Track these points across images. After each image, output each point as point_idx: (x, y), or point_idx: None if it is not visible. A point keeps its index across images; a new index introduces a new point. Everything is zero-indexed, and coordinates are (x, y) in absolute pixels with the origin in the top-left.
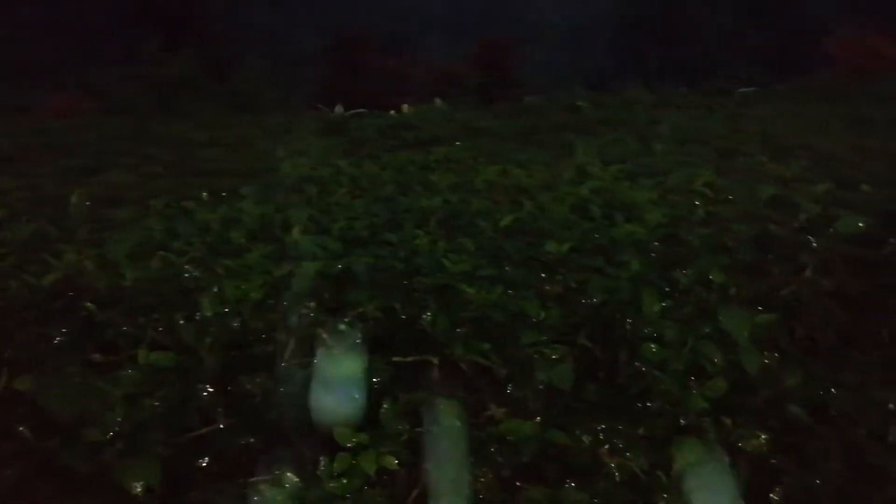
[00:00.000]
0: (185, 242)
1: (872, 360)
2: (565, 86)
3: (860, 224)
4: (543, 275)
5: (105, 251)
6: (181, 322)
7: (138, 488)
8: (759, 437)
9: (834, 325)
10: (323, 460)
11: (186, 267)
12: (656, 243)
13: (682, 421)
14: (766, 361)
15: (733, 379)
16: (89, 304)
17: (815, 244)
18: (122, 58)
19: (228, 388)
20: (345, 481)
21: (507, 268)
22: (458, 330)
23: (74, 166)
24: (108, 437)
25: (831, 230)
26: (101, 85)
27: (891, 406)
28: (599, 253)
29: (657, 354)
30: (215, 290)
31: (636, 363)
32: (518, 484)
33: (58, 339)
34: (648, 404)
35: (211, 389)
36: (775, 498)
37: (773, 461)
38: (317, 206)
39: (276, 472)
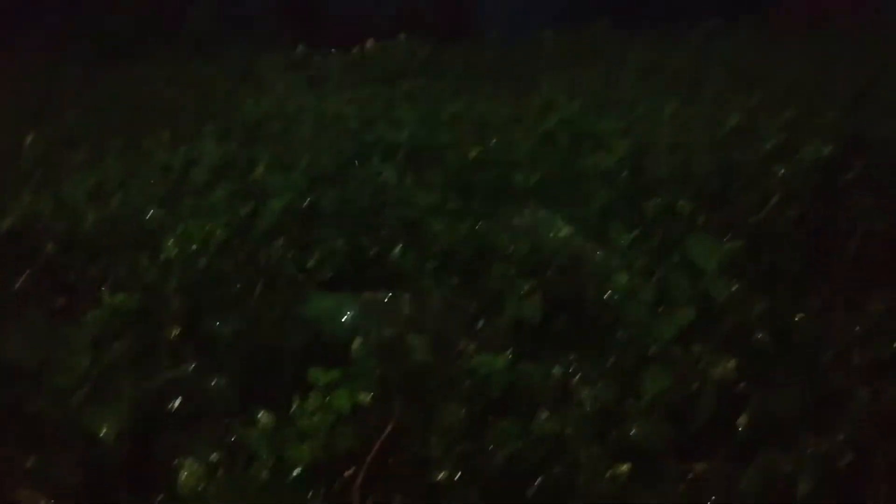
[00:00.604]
0: (145, 183)
1: (837, 287)
2: (530, 23)
3: (825, 151)
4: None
5: (62, 193)
6: (145, 264)
7: (108, 433)
8: (725, 364)
9: (799, 253)
10: (295, 399)
11: (148, 207)
12: (623, 174)
13: (651, 350)
14: (733, 289)
15: (701, 307)
16: (49, 246)
17: (780, 172)
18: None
19: (196, 330)
20: (317, 419)
21: (475, 201)
22: (427, 264)
23: (26, 110)
24: (74, 382)
25: (796, 157)
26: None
27: (854, 330)
28: (567, 184)
29: (626, 284)
30: (179, 230)
31: (605, 294)
32: (489, 418)
33: (18, 283)
34: (617, 335)
35: (179, 331)
36: (741, 423)
37: (739, 387)
38: (280, 143)
39: (248, 413)
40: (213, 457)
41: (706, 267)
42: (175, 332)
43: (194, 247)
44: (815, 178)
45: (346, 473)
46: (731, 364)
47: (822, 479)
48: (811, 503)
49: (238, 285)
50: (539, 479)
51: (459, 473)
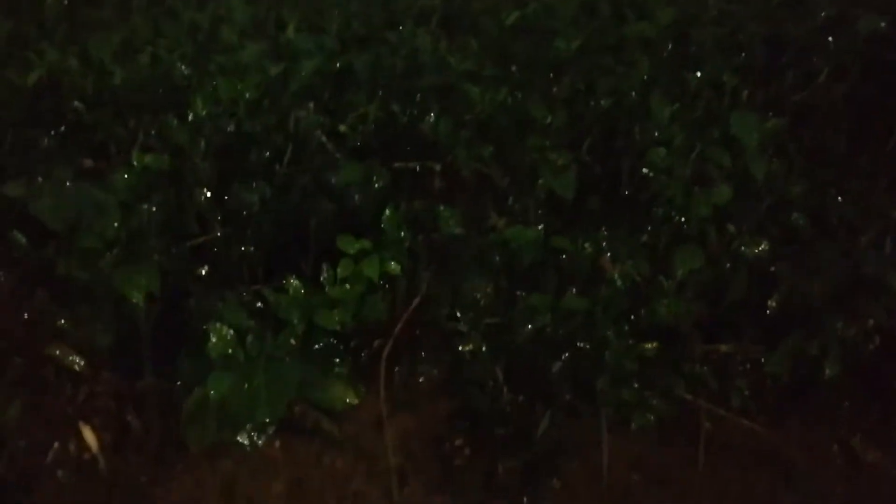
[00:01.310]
0: (173, 41)
1: (879, 168)
2: None
3: (880, 24)
4: (550, 76)
5: (88, 50)
6: (173, 124)
7: (138, 296)
8: (760, 244)
9: (843, 132)
10: (325, 267)
11: (177, 65)
12: (667, 43)
13: (685, 228)
14: (773, 168)
15: (738, 186)
16: (77, 103)
17: (831, 46)
18: None
19: (225, 196)
20: (347, 287)
21: (512, 68)
22: (461, 134)
23: None
24: (104, 244)
25: (849, 30)
26: None
27: (892, 215)
28: (608, 52)
29: (664, 160)
30: (209, 88)
31: (642, 170)
32: (518, 293)
33: (46, 142)
34: (652, 212)
35: (208, 195)
36: (772, 304)
37: (772, 268)
38: (311, 4)
39: (277, 281)
40: (243, 322)
41: (748, 144)
42: (204, 195)
43: (223, 107)
44: (866, 53)
45: (374, 344)
46: (765, 245)
47: (849, 364)
48: (836, 386)
49: (267, 151)
50: (565, 355)
51: (486, 347)
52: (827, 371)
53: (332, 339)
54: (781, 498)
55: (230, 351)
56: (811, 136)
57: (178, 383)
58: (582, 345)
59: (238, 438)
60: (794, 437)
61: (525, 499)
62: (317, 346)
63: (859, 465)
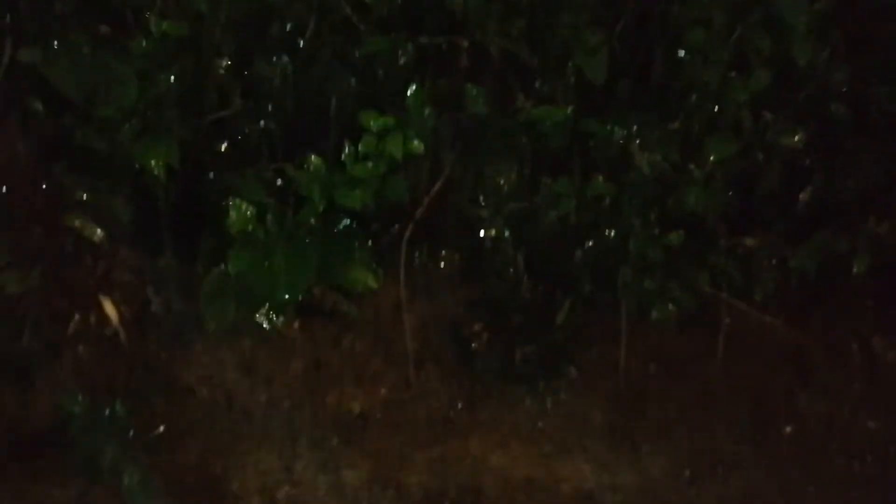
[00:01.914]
0: None
1: None
2: None
3: None
4: None
5: None
6: None
7: (158, 168)
8: (796, 134)
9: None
10: (347, 144)
11: None
12: None
13: (718, 115)
14: (817, 54)
15: (777, 72)
16: None
17: None
18: None
19: (245, 70)
20: (369, 165)
21: None
22: (491, 8)
23: None
24: (122, 114)
25: None
26: None
27: None
28: None
29: (701, 43)
30: None
31: (677, 53)
32: (544, 178)
33: (61, 6)
34: (685, 98)
35: (228, 66)
36: (804, 198)
37: (806, 161)
38: None
39: (297, 158)
40: (263, 200)
41: (794, 26)
42: (223, 65)
43: None
44: None
45: (395, 228)
46: (801, 136)
47: (875, 262)
48: (859, 285)
49: (289, 23)
50: (588, 243)
51: (508, 233)
52: (855, 268)
53: (352, 222)
54: (798, 394)
55: (250, 228)
56: (858, 21)
57: (198, 262)
58: (606, 233)
59: (257, 318)
60: (815, 334)
61: (541, 386)
62: (337, 229)
63: (878, 364)
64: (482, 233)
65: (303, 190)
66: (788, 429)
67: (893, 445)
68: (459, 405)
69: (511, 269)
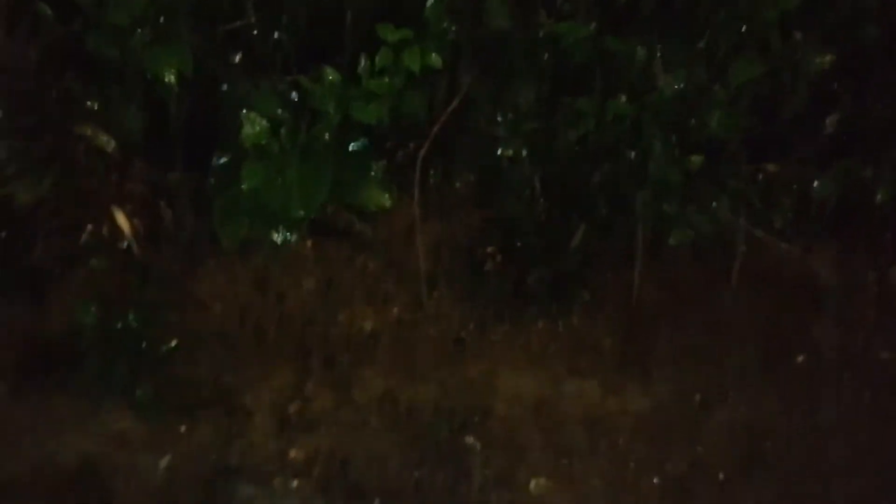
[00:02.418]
0: None
1: None
2: None
3: None
4: None
5: None
6: None
7: (170, 77)
8: (825, 57)
9: None
10: (363, 57)
11: None
12: None
13: (746, 35)
14: None
15: None
16: None
17: None
18: None
19: None
20: (386, 80)
21: None
22: None
23: None
24: (133, 21)
25: None
26: None
27: None
28: None
29: None
30: None
31: None
32: (564, 97)
33: None
34: (712, 17)
35: None
36: (830, 123)
37: (834, 85)
38: None
39: (314, 70)
40: (277, 113)
41: None
42: None
43: None
44: None
45: (410, 146)
46: (830, 58)
47: None
48: (879, 215)
49: None
50: (607, 165)
51: (526, 153)
52: (878, 196)
53: (367, 139)
54: (812, 323)
55: (264, 142)
56: None
57: (211, 177)
58: (626, 154)
59: (271, 235)
60: (832, 263)
61: (553, 309)
62: (352, 146)
63: (894, 295)
64: (500, 152)
65: (318, 104)
66: (800, 358)
67: None
68: (471, 326)
69: (527, 191)
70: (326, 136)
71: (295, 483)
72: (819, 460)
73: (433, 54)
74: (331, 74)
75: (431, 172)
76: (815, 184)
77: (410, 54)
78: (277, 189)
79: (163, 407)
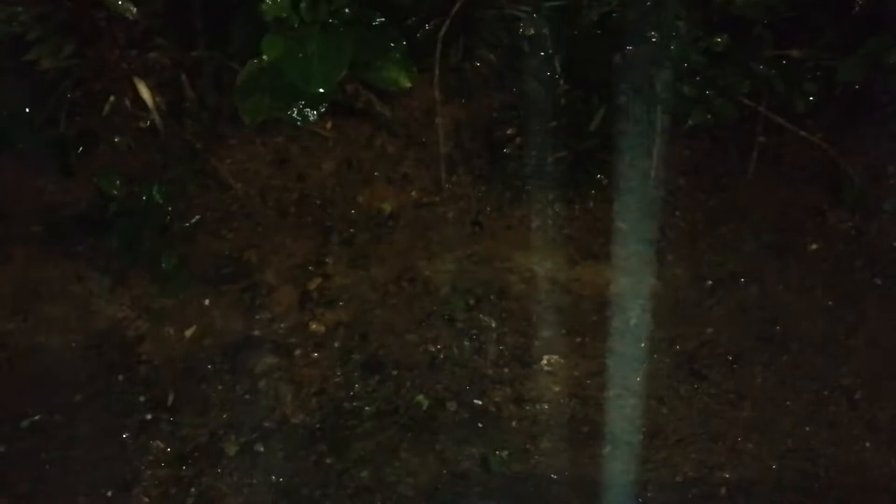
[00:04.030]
0: None
1: None
2: None
3: None
4: None
5: None
6: None
7: None
8: None
9: None
10: None
11: None
12: None
13: None
14: None
15: None
16: None
17: None
18: None
19: None
20: None
21: None
22: None
23: None
24: None
25: None
26: None
27: None
28: None
29: None
30: None
31: None
32: None
33: None
34: None
35: None
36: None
37: None
38: None
39: None
40: None
41: None
42: None
43: None
44: None
45: (431, 24)
46: None
47: None
48: None
49: None
50: (629, 47)
51: (547, 31)
52: None
53: (386, 18)
54: (827, 211)
55: (284, 14)
56: None
57: (232, 50)
58: (650, 33)
59: (291, 114)
60: (850, 152)
61: (571, 192)
62: (372, 24)
63: None
64: (521, 31)
65: None
66: (814, 245)
67: None
68: (488, 208)
69: (547, 72)
70: (347, 9)
71: (315, 354)
72: (827, 342)
73: None
74: None
75: (452, 52)
76: (840, 68)
77: None
78: (298, 63)
79: (187, 279)
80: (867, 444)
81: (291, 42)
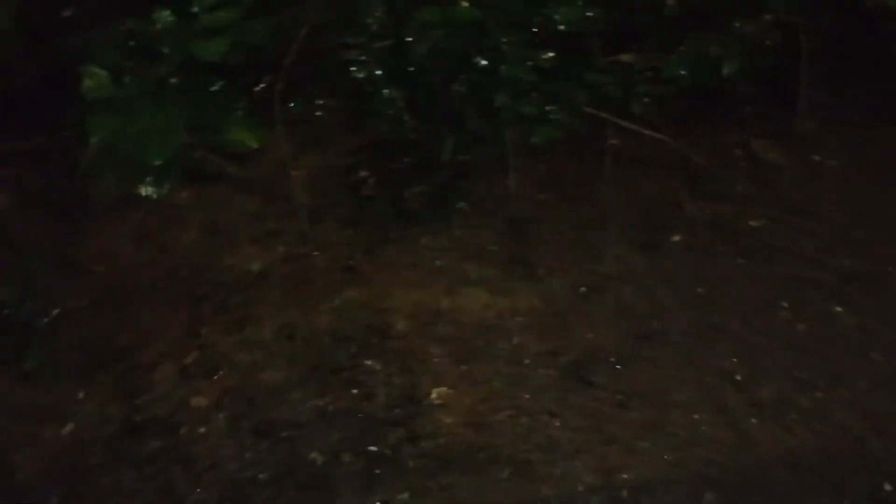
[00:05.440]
0: None
1: None
2: None
3: None
4: None
5: None
6: None
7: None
8: None
9: None
10: None
11: None
12: None
13: None
14: None
15: None
16: None
17: None
18: None
19: None
20: (223, 13)
21: None
22: None
23: None
24: None
25: None
26: None
27: None
28: None
29: None
30: None
31: None
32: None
33: None
34: None
35: None
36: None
37: None
38: None
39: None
40: (118, 62)
41: None
42: None
43: None
44: None
45: (266, 80)
46: None
47: (749, 66)
48: (737, 91)
49: None
50: (462, 75)
51: (381, 70)
52: (725, 69)
53: (219, 79)
54: (685, 203)
55: (107, 93)
56: None
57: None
58: (478, 60)
59: (141, 188)
60: (699, 143)
61: (435, 223)
62: (210, 89)
63: (759, 165)
64: (355, 74)
65: (156, 46)
66: (678, 237)
67: (776, 240)
68: (358, 252)
69: (391, 110)
70: (174, 79)
71: (202, 429)
72: (703, 329)
73: None
74: (164, 15)
75: (293, 105)
76: (666, 65)
77: None
78: (131, 139)
79: (56, 376)
80: (753, 422)
81: (120, 119)
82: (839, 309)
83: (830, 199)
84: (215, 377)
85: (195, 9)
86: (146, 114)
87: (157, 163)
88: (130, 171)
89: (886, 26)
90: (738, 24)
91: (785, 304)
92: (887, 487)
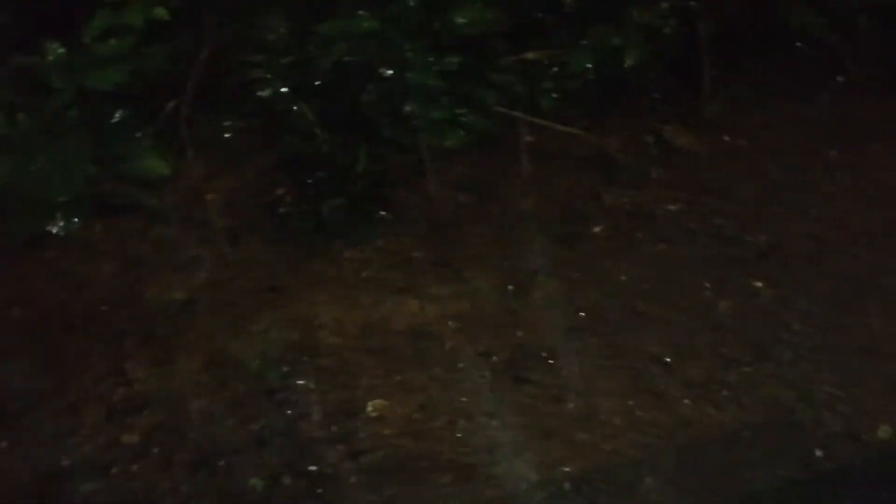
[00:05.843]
0: None
1: None
2: None
3: None
4: None
5: None
6: None
7: None
8: None
9: None
10: (84, 21)
11: None
12: None
13: None
14: None
15: None
16: None
17: None
18: None
19: None
20: (114, 42)
21: None
22: None
23: None
24: None
25: None
26: None
27: None
28: None
29: None
30: None
31: None
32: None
33: None
34: None
35: None
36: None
37: None
38: None
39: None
40: (9, 99)
41: None
42: None
43: None
44: None
45: (170, 106)
46: None
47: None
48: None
49: None
50: (370, 85)
51: (286, 87)
52: (627, 59)
53: (121, 108)
54: (603, 193)
55: (1, 132)
56: None
57: None
58: (383, 69)
59: (51, 226)
60: (611, 133)
61: (357, 235)
62: (114, 119)
63: (671, 150)
64: (260, 93)
65: (48, 80)
66: (598, 228)
67: (694, 223)
68: (282, 271)
69: (302, 126)
70: (71, 112)
71: (134, 467)
72: (629, 316)
73: (157, 8)
74: (54, 47)
75: (202, 128)
76: (571, 59)
77: (131, 12)
78: (33, 177)
79: None
80: (686, 402)
81: (17, 158)
82: (759, 284)
83: (742, 178)
84: (145, 412)
85: (86, 39)
86: (45, 150)
87: (63, 199)
88: (37, 209)
89: (780, 7)
90: (636, 14)
91: (707, 284)
92: (818, 453)
